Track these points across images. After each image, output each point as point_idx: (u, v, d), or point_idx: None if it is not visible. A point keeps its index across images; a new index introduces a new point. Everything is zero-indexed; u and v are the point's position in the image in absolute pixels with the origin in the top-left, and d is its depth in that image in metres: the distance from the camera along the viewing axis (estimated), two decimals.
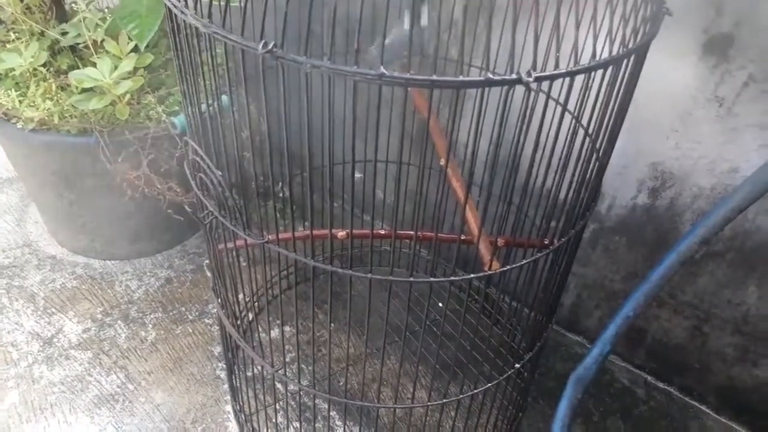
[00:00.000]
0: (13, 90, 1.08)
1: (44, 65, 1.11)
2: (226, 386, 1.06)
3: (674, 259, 0.76)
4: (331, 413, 1.02)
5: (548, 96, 0.52)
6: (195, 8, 0.54)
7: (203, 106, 0.63)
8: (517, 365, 0.76)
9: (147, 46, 1.02)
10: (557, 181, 0.60)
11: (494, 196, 0.65)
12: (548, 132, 0.54)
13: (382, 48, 0.52)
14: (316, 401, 1.03)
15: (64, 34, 1.13)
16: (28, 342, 1.12)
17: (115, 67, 1.02)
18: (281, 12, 0.47)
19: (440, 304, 1.21)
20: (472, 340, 0.80)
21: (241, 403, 0.97)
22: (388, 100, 1.11)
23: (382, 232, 1.13)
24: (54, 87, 1.09)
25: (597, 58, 0.49)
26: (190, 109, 0.66)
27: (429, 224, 1.26)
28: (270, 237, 0.62)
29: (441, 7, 0.95)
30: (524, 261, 0.63)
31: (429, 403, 0.75)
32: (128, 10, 1.00)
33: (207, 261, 0.83)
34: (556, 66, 0.47)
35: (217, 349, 1.13)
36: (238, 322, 1.05)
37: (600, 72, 0.51)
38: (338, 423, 1.01)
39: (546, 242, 0.64)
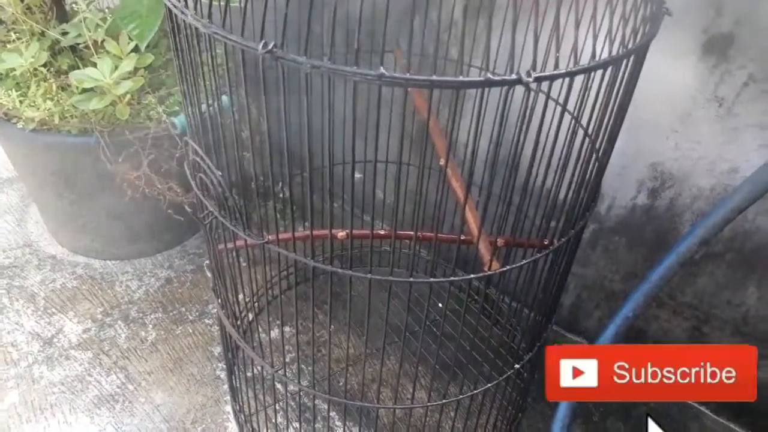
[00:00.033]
0: (13, 90, 1.09)
1: (45, 65, 1.11)
2: (226, 386, 1.06)
3: (674, 259, 0.76)
4: (330, 413, 1.02)
5: (548, 96, 0.52)
6: (195, 8, 0.54)
7: (203, 107, 0.63)
8: (517, 366, 0.76)
9: (147, 47, 1.02)
10: (557, 182, 0.60)
11: (494, 197, 0.65)
12: (548, 132, 0.54)
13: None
14: (316, 401, 1.03)
15: (64, 34, 1.13)
16: (28, 342, 1.12)
17: (116, 68, 1.02)
18: (281, 12, 0.47)
19: (440, 305, 1.21)
20: (472, 340, 0.80)
21: (240, 403, 0.97)
22: (387, 101, 1.11)
23: (382, 232, 1.13)
24: (54, 87, 1.09)
25: (597, 58, 0.49)
26: (191, 110, 0.66)
27: (429, 224, 1.26)
28: (270, 237, 0.62)
29: (441, 7, 0.95)
30: (524, 261, 0.63)
31: (428, 404, 0.75)
32: (129, 11, 1.00)
33: (207, 261, 0.83)
34: (556, 66, 0.47)
35: (217, 350, 1.13)
36: (238, 322, 1.05)
37: (600, 72, 0.52)
38: (338, 423, 1.01)
39: (546, 242, 0.65)
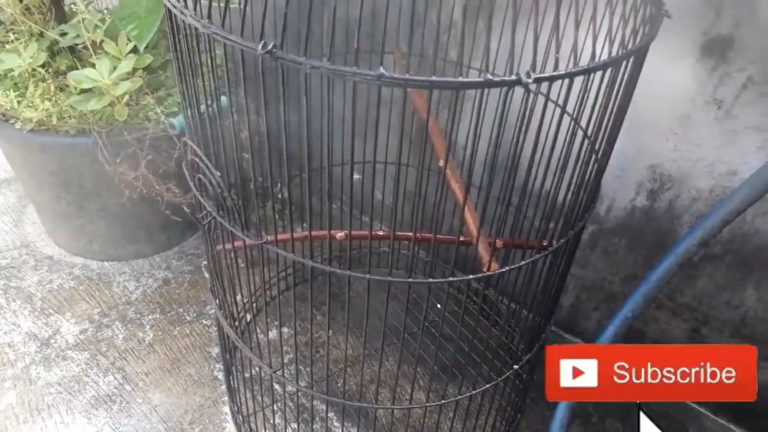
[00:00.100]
0: (11, 90, 1.08)
1: (43, 66, 1.11)
2: (223, 387, 1.06)
3: (673, 261, 0.76)
4: (329, 414, 1.02)
5: (547, 97, 0.52)
6: (195, 9, 0.53)
7: (202, 107, 0.63)
8: (516, 367, 0.76)
9: (146, 47, 1.02)
10: (556, 183, 0.60)
11: (493, 197, 0.65)
12: (547, 133, 0.54)
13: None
14: (314, 402, 1.03)
15: (63, 34, 1.13)
16: (25, 343, 1.12)
17: (114, 68, 1.02)
18: (281, 12, 0.47)
19: (439, 306, 1.21)
20: (471, 341, 0.80)
21: (238, 404, 0.97)
22: (387, 101, 1.11)
23: (381, 233, 1.13)
24: (53, 88, 1.09)
25: (596, 59, 0.49)
26: (189, 110, 0.66)
27: (428, 225, 1.26)
28: (268, 238, 0.62)
29: (441, 7, 0.95)
30: (523, 262, 0.63)
31: (427, 404, 0.75)
32: (127, 11, 1.00)
33: (205, 262, 0.83)
34: (556, 67, 0.47)
35: (215, 350, 1.13)
36: (236, 323, 1.05)
37: (599, 73, 0.52)
38: (336, 424, 1.01)
39: (545, 243, 0.64)
